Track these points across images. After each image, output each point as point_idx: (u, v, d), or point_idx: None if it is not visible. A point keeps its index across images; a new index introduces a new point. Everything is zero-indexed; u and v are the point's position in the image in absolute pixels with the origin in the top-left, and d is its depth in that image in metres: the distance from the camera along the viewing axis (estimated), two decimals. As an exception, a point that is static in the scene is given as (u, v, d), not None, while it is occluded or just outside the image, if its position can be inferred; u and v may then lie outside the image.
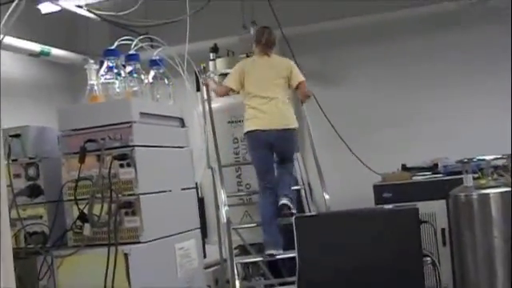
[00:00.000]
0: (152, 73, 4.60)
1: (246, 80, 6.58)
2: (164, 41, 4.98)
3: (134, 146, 3.90)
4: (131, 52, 4.53)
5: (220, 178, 6.38)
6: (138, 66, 4.40)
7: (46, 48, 9.09)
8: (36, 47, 8.90)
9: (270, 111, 6.50)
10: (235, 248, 6.67)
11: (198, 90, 7.01)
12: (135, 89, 4.30)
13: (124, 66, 4.36)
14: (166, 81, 4.64)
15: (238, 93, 6.70)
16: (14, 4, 4.51)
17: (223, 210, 6.19)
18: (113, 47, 4.41)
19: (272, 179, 6.56)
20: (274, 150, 6.56)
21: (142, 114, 4.04)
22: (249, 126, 6.52)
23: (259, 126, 6.47)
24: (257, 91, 6.55)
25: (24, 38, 8.48)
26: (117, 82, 4.22)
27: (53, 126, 4.38)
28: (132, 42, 4.61)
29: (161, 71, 4.62)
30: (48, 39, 9.25)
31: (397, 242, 4.71)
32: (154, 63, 4.64)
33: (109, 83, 4.21)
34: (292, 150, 6.73)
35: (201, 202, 6.83)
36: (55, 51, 9.33)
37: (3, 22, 4.33)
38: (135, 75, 4.34)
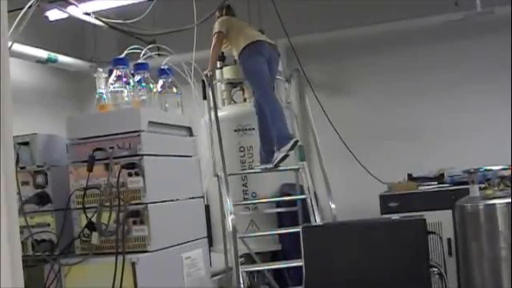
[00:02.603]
0: (160, 82, 4.61)
1: (231, 29, 7.08)
2: (171, 48, 4.99)
3: (142, 154, 3.90)
4: (140, 61, 4.54)
5: (226, 186, 6.38)
6: (147, 75, 4.41)
7: (53, 55, 9.11)
8: (43, 54, 8.94)
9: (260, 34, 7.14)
10: (241, 256, 6.67)
11: (205, 98, 7.02)
12: (144, 98, 4.30)
13: (133, 75, 4.36)
14: (174, 90, 4.64)
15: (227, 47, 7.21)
16: (22, 11, 4.52)
17: (229, 219, 6.18)
18: (122, 56, 4.42)
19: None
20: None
21: (150, 123, 4.04)
22: (252, 38, 6.92)
23: (261, 38, 6.94)
24: (244, 28, 7.16)
25: (31, 45, 8.51)
26: (125, 90, 4.22)
27: (58, 132, 4.39)
28: (140, 50, 4.62)
29: (169, 80, 4.63)
30: (55, 46, 9.28)
31: (404, 253, 4.69)
32: (162, 72, 4.64)
33: (117, 92, 4.21)
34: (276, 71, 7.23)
35: (206, 209, 6.85)
36: (62, 58, 9.37)
37: (12, 29, 4.33)
38: (144, 84, 4.35)
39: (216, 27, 7.05)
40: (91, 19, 7.28)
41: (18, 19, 4.37)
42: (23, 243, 4.05)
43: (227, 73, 7.83)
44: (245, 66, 6.91)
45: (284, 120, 6.70)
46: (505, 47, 8.58)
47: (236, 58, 7.07)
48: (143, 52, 4.60)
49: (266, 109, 6.73)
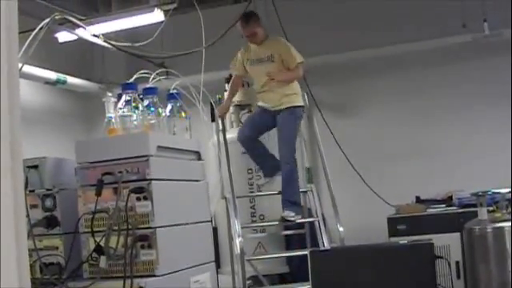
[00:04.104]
0: (169, 106, 4.63)
1: None
2: (179, 71, 5.00)
3: (150, 179, 3.91)
4: (149, 85, 4.56)
5: (234, 208, 6.39)
6: (156, 99, 4.42)
7: (62, 76, 9.15)
8: (52, 75, 8.97)
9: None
10: (248, 279, 6.66)
11: (213, 120, 7.03)
12: (152, 122, 4.32)
13: (141, 99, 4.38)
14: (183, 114, 4.65)
15: None
16: (33, 33, 4.55)
17: (237, 241, 6.19)
18: (131, 80, 4.44)
19: None
20: None
21: (159, 147, 4.05)
22: (298, 102, 6.94)
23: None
24: None
25: (40, 66, 8.55)
26: (134, 115, 4.24)
27: (67, 152, 4.41)
28: (149, 75, 4.64)
29: (178, 104, 4.65)
30: (64, 67, 9.32)
31: (411, 278, 4.68)
32: (171, 97, 4.66)
33: (126, 116, 4.23)
34: None
35: (214, 232, 6.85)
36: (71, 79, 9.40)
37: (22, 51, 4.36)
38: (152, 108, 4.37)
39: (299, 56, 6.95)
40: (100, 41, 7.33)
41: (28, 41, 4.39)
42: (31, 266, 4.04)
43: (236, 95, 7.84)
44: (291, 120, 6.83)
45: (297, 186, 6.81)
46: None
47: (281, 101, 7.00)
48: (152, 77, 4.62)
49: (286, 167, 6.75)
